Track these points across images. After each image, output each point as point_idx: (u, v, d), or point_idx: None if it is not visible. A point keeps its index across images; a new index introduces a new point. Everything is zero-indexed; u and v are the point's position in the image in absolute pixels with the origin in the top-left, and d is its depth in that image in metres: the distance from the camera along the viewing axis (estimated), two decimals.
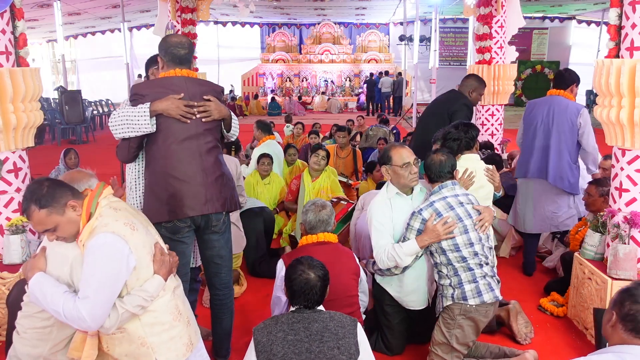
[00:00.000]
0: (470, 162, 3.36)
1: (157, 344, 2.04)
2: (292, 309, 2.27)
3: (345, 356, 2.12)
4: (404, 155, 2.88)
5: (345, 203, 4.68)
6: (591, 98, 16.63)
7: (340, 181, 5.33)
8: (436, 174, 2.88)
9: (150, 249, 2.07)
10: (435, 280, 2.91)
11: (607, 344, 1.82)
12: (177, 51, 2.65)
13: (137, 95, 2.58)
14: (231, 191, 2.74)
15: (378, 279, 3.12)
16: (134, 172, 2.80)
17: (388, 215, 2.92)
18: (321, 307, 2.27)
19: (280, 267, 2.76)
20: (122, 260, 1.93)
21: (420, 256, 2.90)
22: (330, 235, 2.88)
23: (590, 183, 3.76)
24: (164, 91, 2.57)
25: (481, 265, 2.75)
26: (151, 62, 2.98)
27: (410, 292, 3.01)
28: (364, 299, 3.02)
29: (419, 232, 2.79)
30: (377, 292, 3.19)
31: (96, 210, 1.98)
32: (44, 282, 1.95)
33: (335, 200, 4.76)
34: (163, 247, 2.17)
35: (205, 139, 2.64)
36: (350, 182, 6.01)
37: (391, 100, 18.16)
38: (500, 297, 2.81)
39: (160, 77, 2.68)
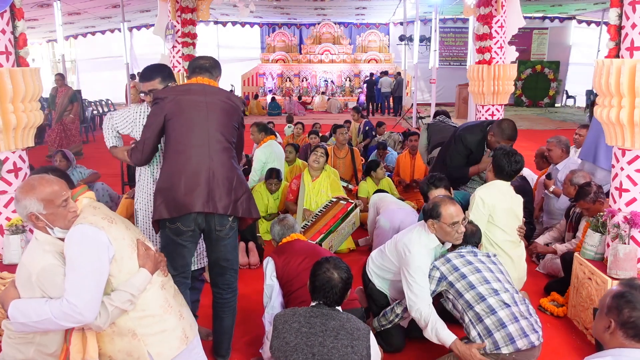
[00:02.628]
0: (498, 191, 3.43)
1: (148, 336, 2.06)
2: (312, 303, 2.32)
3: (358, 356, 2.15)
4: (453, 213, 2.83)
5: (345, 203, 4.68)
6: (591, 98, 16.63)
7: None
8: (464, 240, 2.92)
9: (131, 242, 2.10)
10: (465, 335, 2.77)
11: (604, 347, 1.81)
12: (198, 62, 2.85)
13: (157, 99, 2.70)
14: (240, 196, 2.69)
15: (378, 284, 3.25)
16: (145, 174, 2.91)
17: (430, 264, 2.89)
18: (339, 307, 2.32)
19: (267, 263, 2.92)
20: (101, 247, 1.98)
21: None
22: (299, 235, 3.14)
23: (576, 199, 3.81)
24: (182, 95, 2.69)
25: (507, 305, 2.60)
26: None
27: None
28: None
29: (439, 280, 2.79)
30: (373, 292, 3.28)
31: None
32: (21, 305, 1.95)
33: (335, 199, 4.76)
34: (148, 244, 2.19)
35: (217, 140, 2.67)
36: (351, 186, 6.02)
37: (391, 101, 18.15)
38: (537, 343, 2.59)
39: (182, 84, 2.87)
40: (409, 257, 2.88)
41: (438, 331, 2.67)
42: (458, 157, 4.24)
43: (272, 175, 5.33)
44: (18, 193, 1.98)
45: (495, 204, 3.35)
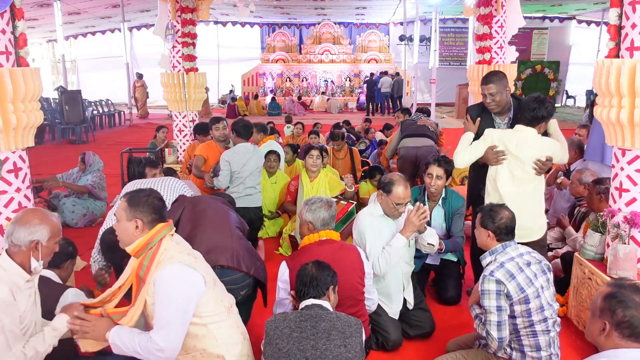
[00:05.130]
0: (515, 135, 3.29)
1: (220, 332, 2.24)
2: (301, 306, 2.31)
3: (352, 354, 2.15)
4: (401, 195, 3.06)
5: (345, 203, 4.67)
6: (591, 98, 16.63)
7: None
8: (507, 230, 2.61)
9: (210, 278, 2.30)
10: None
11: (599, 350, 1.80)
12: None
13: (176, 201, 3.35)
14: (261, 263, 3.11)
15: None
16: None
17: (377, 228, 3.13)
18: (329, 307, 2.30)
19: (283, 270, 2.69)
20: (192, 286, 2.10)
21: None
22: (333, 232, 2.79)
23: (592, 181, 3.87)
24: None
25: (548, 332, 2.58)
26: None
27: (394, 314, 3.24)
28: (371, 298, 2.92)
29: (497, 293, 2.48)
30: None
31: (159, 245, 2.14)
32: (120, 331, 2.08)
33: (335, 199, 4.75)
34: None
35: (233, 227, 3.11)
36: None
37: (390, 101, 18.13)
38: None
39: None
40: (360, 226, 3.14)
41: (393, 251, 3.00)
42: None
43: (271, 152, 5.43)
44: (31, 217, 2.00)
45: (497, 141, 3.30)
